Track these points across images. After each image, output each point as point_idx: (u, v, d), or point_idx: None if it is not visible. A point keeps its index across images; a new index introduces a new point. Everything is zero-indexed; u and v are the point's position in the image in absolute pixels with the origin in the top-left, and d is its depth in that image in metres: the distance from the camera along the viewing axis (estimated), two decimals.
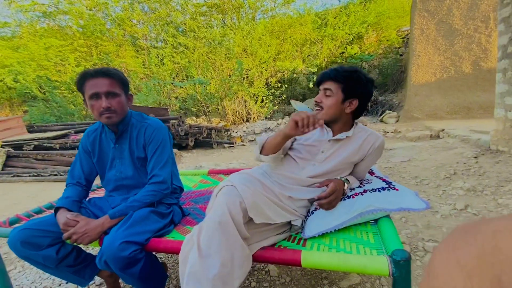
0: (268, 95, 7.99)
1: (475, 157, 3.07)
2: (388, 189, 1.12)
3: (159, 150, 1.26)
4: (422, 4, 5.90)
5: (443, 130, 4.62)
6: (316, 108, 1.24)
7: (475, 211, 2.02)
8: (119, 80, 1.20)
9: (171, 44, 8.84)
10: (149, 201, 1.20)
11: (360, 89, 1.17)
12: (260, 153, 1.23)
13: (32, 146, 4.73)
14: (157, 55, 8.75)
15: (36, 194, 3.36)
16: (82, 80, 1.16)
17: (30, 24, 9.33)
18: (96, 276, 1.33)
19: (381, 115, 6.75)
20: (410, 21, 6.39)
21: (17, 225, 1.32)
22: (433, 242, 1.70)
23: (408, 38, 8.40)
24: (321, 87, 1.22)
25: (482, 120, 5.38)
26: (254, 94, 7.87)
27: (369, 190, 1.14)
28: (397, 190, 1.11)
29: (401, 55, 8.57)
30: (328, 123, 1.25)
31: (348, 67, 1.20)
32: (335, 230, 1.08)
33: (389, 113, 6.47)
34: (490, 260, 0.18)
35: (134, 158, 1.29)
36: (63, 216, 1.12)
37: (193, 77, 8.06)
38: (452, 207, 2.09)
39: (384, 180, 1.23)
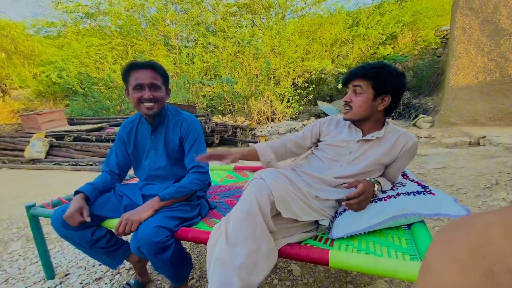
0: (294, 95, 7.90)
1: None
2: (424, 193, 1.05)
3: (197, 143, 1.31)
4: (465, 2, 5.50)
5: (484, 137, 4.28)
6: (346, 107, 1.19)
7: None
8: (161, 73, 1.26)
9: (201, 44, 9.06)
10: (194, 189, 1.25)
11: (391, 84, 1.11)
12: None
13: (72, 137, 5.10)
14: (188, 54, 9.01)
15: (74, 182, 3.61)
16: (128, 70, 1.22)
17: (74, 24, 10.05)
18: (125, 260, 1.40)
19: (414, 119, 6.40)
20: (451, 20, 5.98)
21: (58, 207, 1.42)
22: None
23: (447, 39, 7.90)
24: (350, 85, 1.17)
25: None
26: (280, 94, 7.83)
27: (403, 193, 1.09)
28: (433, 194, 1.04)
29: (438, 56, 8.07)
30: (359, 122, 1.21)
31: (376, 62, 1.15)
32: (364, 233, 1.04)
33: (423, 117, 6.11)
34: (482, 253, 0.18)
35: (168, 149, 1.34)
36: (75, 205, 1.14)
37: (221, 76, 8.20)
38: None
39: (419, 184, 1.16)
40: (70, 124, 6.23)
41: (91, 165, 4.28)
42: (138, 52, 9.04)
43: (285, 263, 1.59)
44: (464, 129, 5.12)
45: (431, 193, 1.05)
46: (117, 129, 5.42)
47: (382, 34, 8.54)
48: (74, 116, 7.18)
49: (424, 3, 8.62)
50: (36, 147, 4.65)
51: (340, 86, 8.14)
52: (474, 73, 5.53)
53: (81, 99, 8.15)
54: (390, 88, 1.12)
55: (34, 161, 4.62)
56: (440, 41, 8.53)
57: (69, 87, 8.65)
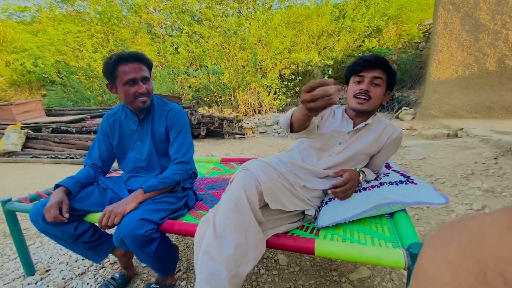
0: (281, 87, 7.89)
1: (495, 158, 2.96)
2: (406, 183, 1.09)
3: (183, 133, 1.29)
4: None
5: (461, 129, 4.46)
6: (362, 97, 1.13)
7: None
8: (148, 65, 1.24)
9: (186, 33, 8.81)
10: (177, 180, 1.24)
11: (395, 81, 1.17)
12: (291, 131, 1.08)
13: (50, 129, 4.88)
14: (172, 43, 8.75)
15: (54, 175, 3.47)
16: (115, 63, 1.16)
17: (49, 9, 9.48)
18: (110, 254, 1.37)
19: (397, 111, 6.58)
20: (433, 15, 6.12)
21: (36, 201, 1.37)
22: None
23: (429, 33, 8.09)
24: (368, 74, 1.10)
25: (504, 120, 5.17)
26: (267, 85, 7.79)
27: (386, 183, 1.12)
28: (415, 184, 1.08)
29: (421, 50, 8.27)
30: (362, 114, 1.20)
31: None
32: (349, 222, 1.06)
33: (405, 109, 6.29)
34: (476, 256, 0.18)
35: (155, 140, 1.32)
36: (55, 199, 1.10)
37: (207, 67, 8.04)
38: (469, 207, 2.04)
39: (401, 174, 1.20)
40: (48, 115, 5.95)
41: (72, 157, 4.13)
42: (120, 40, 8.69)
43: (272, 253, 1.61)
44: (443, 121, 5.32)
45: (412, 182, 1.09)
46: (99, 120, 5.23)
47: (368, 27, 8.63)
48: (52, 107, 6.85)
49: None
50: (11, 139, 4.42)
51: (326, 78, 8.18)
52: (454, 67, 5.71)
53: (59, 89, 7.78)
54: (394, 85, 1.18)
55: (9, 154, 4.40)
56: (423, 35, 8.72)
57: (46, 76, 8.23)
